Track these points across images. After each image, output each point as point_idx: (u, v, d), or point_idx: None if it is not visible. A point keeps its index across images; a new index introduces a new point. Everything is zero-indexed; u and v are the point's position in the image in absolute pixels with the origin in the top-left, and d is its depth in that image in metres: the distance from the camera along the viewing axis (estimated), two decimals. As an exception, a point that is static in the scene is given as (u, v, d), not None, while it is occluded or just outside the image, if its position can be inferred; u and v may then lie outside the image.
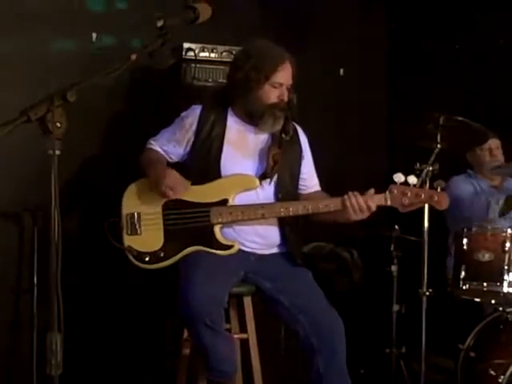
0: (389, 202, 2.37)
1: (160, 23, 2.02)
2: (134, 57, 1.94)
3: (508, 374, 2.39)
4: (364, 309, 3.27)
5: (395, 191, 2.37)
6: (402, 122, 3.10)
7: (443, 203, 2.40)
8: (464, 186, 3.33)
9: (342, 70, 3.85)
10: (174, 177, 2.35)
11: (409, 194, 2.37)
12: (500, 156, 3.34)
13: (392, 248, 3.06)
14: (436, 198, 2.40)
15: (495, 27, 3.68)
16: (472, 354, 2.70)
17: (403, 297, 3.08)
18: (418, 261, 2.75)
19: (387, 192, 2.37)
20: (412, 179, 2.38)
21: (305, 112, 2.64)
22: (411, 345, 2.95)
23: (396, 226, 3.06)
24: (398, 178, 2.36)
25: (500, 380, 2.39)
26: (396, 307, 3.04)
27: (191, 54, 2.99)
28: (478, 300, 2.80)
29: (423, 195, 2.38)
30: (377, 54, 3.94)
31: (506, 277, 2.64)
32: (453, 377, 2.77)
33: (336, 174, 3.43)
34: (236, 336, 2.51)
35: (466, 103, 3.62)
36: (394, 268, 3.05)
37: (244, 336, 2.50)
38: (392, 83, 3.98)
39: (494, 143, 3.33)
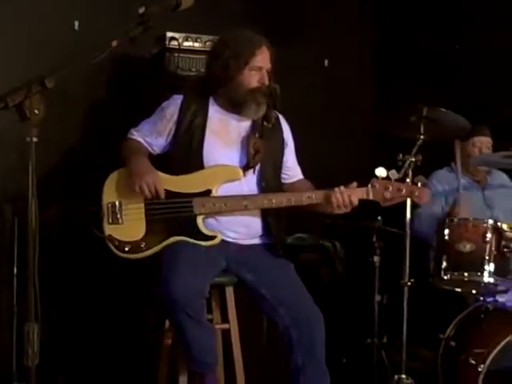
0: (371, 196, 2.39)
1: (141, 10, 2.01)
2: (114, 43, 1.93)
3: (488, 362, 2.41)
4: (346, 299, 3.28)
5: (377, 185, 2.38)
6: (387, 113, 3.10)
7: (424, 198, 2.42)
8: (441, 181, 3.33)
9: (326, 61, 3.85)
10: (152, 177, 2.33)
11: (390, 188, 2.38)
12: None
13: (374, 239, 3.06)
14: (417, 193, 2.42)
15: (482, 20, 3.70)
16: (452, 344, 2.72)
17: (385, 287, 3.09)
18: (401, 252, 2.76)
19: (369, 186, 2.38)
20: (394, 174, 2.39)
21: (289, 103, 2.63)
22: (393, 335, 2.97)
23: (379, 217, 3.07)
24: (380, 172, 2.37)
25: (480, 369, 2.40)
26: (378, 298, 3.05)
27: (175, 43, 2.97)
28: (459, 290, 2.81)
29: (404, 190, 2.39)
30: (362, 45, 3.94)
31: (486, 267, 2.66)
32: (434, 366, 2.79)
33: (320, 164, 3.42)
34: (218, 326, 2.51)
35: (452, 95, 3.63)
36: (376, 259, 3.05)
37: (226, 326, 2.50)
38: (378, 74, 3.99)
39: (484, 141, 3.30)
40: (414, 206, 2.78)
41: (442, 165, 3.40)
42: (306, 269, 3.21)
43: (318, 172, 2.77)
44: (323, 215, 2.48)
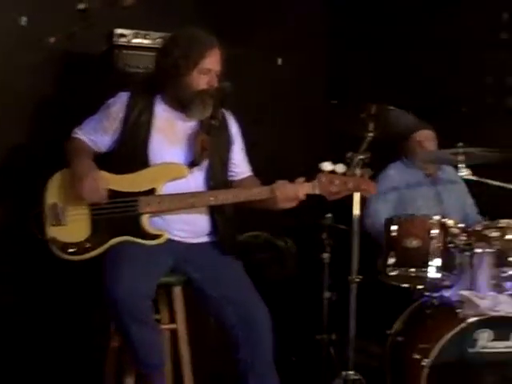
0: (317, 191, 2.39)
1: (81, 6, 1.98)
2: (52, 40, 1.89)
3: (431, 357, 2.44)
4: (297, 296, 3.30)
5: (323, 179, 2.38)
6: (337, 111, 3.13)
7: (370, 191, 2.43)
8: (396, 176, 3.37)
9: (280, 60, 3.85)
10: (94, 181, 2.29)
11: (336, 182, 2.38)
12: (433, 148, 3.31)
13: (324, 236, 3.08)
14: (363, 186, 2.43)
15: (432, 19, 3.75)
16: (399, 339, 2.75)
17: (335, 284, 3.11)
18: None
19: (315, 180, 2.39)
20: (340, 168, 2.40)
21: (242, 101, 2.62)
22: (343, 331, 2.99)
23: (329, 215, 3.09)
24: (326, 166, 2.38)
25: (424, 363, 2.44)
26: (327, 294, 3.08)
27: (124, 39, 2.93)
28: (405, 286, 2.85)
29: (351, 183, 2.40)
30: (315, 44, 3.96)
31: (431, 262, 2.70)
32: (382, 362, 2.83)
33: (274, 161, 3.44)
34: (165, 327, 2.49)
35: (403, 92, 3.67)
36: (325, 256, 3.08)
37: (173, 326, 2.48)
38: (330, 72, 4.01)
39: (425, 134, 3.35)
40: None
41: (393, 161, 3.44)
42: (258, 266, 3.23)
43: (271, 169, 2.78)
44: (274, 212, 2.48)
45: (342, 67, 3.94)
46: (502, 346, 2.50)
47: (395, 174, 3.36)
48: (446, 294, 2.76)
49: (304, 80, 3.84)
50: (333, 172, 2.40)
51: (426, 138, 3.36)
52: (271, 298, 2.41)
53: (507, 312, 2.51)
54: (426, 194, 3.30)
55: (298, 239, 3.36)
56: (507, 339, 2.50)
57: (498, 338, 2.50)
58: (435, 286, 2.79)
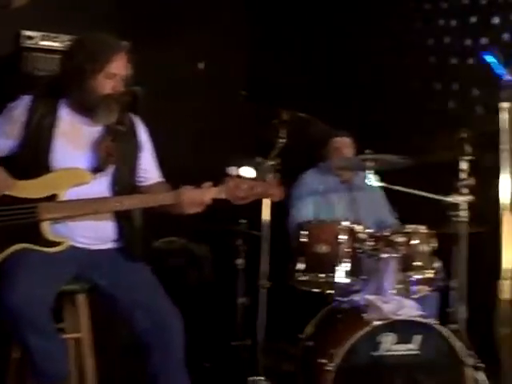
0: (223, 195, 2.39)
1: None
2: None
3: (337, 361, 2.47)
4: (213, 302, 3.29)
5: (230, 184, 2.39)
6: (253, 117, 3.14)
7: (278, 196, 2.45)
8: (313, 181, 3.41)
9: (201, 64, 3.85)
10: None
11: (243, 186, 2.39)
12: (350, 154, 3.35)
13: (239, 242, 3.09)
14: (270, 192, 2.44)
15: (353, 25, 3.82)
16: (310, 344, 2.78)
17: (250, 290, 3.12)
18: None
19: (222, 185, 2.39)
20: (248, 172, 2.41)
21: (162, 106, 2.59)
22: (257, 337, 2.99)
23: (243, 221, 3.10)
24: (232, 170, 2.39)
25: (328, 368, 2.46)
26: (242, 300, 3.08)
27: (31, 42, 2.87)
28: (316, 290, 2.88)
29: (258, 188, 2.41)
30: (237, 48, 3.97)
31: (339, 267, 2.74)
32: (294, 366, 2.85)
33: (192, 168, 3.41)
34: (70, 336, 2.42)
35: (320, 100, 3.73)
36: (240, 262, 3.08)
37: (78, 335, 2.42)
38: (251, 78, 4.04)
39: (342, 141, 3.41)
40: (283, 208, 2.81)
41: (308, 167, 3.48)
42: (173, 272, 3.21)
43: (188, 174, 2.75)
44: (195, 220, 2.47)
45: (263, 72, 3.97)
46: (404, 349, 2.55)
47: (312, 179, 3.41)
48: (356, 298, 2.81)
49: (225, 85, 3.84)
50: (241, 177, 2.41)
51: (344, 144, 3.42)
52: (188, 304, 2.39)
53: (409, 316, 2.57)
54: (341, 199, 3.35)
55: (214, 245, 3.35)
56: (410, 342, 2.56)
57: (401, 341, 2.55)
58: (345, 290, 2.83)
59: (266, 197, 2.48)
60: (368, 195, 3.41)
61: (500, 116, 2.03)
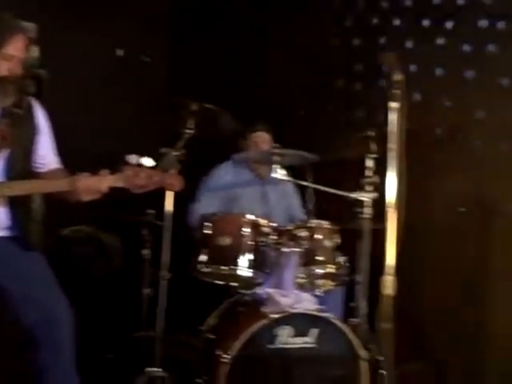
0: (121, 183, 2.34)
1: None
2: None
3: (232, 353, 2.47)
4: (119, 292, 3.24)
5: (128, 172, 2.35)
6: (173, 108, 3.10)
7: (176, 186, 2.43)
8: (227, 174, 3.40)
9: (119, 51, 3.78)
10: None
11: (142, 175, 2.34)
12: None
13: (145, 232, 3.05)
14: (169, 181, 2.41)
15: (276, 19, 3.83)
16: (209, 335, 2.77)
17: (155, 280, 3.09)
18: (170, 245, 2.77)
19: (119, 173, 2.34)
20: (147, 161, 2.37)
21: (72, 91, 2.51)
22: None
23: (151, 211, 3.06)
24: (132, 159, 2.34)
25: (224, 360, 2.46)
26: (146, 291, 3.05)
27: None
28: (220, 283, 2.88)
29: (156, 177, 2.37)
30: (158, 36, 3.92)
31: (242, 260, 2.74)
32: (195, 358, 2.83)
33: (93, 155, 3.34)
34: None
35: (239, 94, 3.72)
36: (146, 252, 3.05)
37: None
38: (171, 67, 3.99)
39: (261, 136, 3.41)
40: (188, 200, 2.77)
41: (217, 159, 3.47)
42: (80, 261, 3.14)
43: (86, 162, 2.69)
44: (104, 208, 2.41)
45: (184, 62, 3.93)
46: (301, 342, 2.57)
47: (225, 172, 3.40)
48: (259, 291, 2.81)
49: (144, 72, 3.79)
50: (140, 165, 2.37)
51: (262, 139, 3.42)
52: (93, 293, 2.34)
53: (306, 309, 2.59)
54: (252, 193, 3.35)
55: (123, 235, 3.30)
56: (306, 335, 2.58)
57: (298, 334, 2.57)
58: (247, 283, 2.83)
59: (164, 186, 2.45)
60: (280, 190, 3.43)
61: (389, 115, 2.06)
